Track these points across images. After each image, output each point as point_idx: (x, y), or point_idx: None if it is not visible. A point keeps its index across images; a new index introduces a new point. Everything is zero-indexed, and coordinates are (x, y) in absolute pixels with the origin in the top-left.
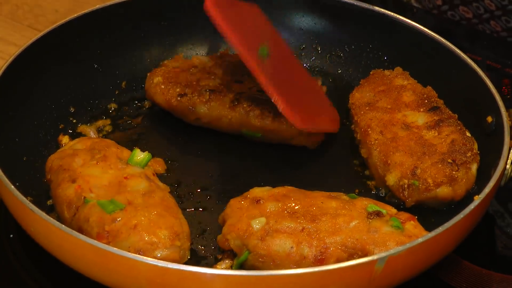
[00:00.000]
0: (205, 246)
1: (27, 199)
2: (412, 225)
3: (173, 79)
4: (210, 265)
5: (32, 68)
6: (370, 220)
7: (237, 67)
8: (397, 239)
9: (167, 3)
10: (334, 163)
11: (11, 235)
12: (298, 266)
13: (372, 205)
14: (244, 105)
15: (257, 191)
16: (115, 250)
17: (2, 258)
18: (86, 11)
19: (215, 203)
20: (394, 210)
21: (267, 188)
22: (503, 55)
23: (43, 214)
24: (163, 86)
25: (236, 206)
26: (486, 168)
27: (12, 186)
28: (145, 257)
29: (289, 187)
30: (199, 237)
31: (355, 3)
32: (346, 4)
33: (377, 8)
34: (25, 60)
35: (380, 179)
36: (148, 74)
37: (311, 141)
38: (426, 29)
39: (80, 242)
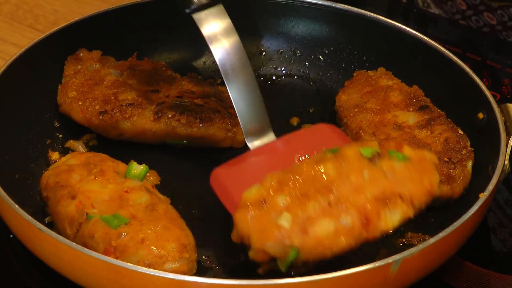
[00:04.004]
0: (209, 257)
1: None
2: (408, 150)
3: (89, 94)
4: (218, 276)
5: (15, 84)
6: (377, 164)
7: (149, 75)
8: (414, 169)
9: (169, 10)
10: None
11: (11, 235)
12: (350, 238)
13: (364, 148)
14: (169, 116)
15: (249, 195)
16: (129, 265)
17: (2, 258)
18: (69, 22)
19: (213, 212)
20: (376, 143)
21: (255, 187)
22: (503, 55)
23: (52, 233)
24: (80, 103)
25: (247, 218)
26: (480, 165)
27: (17, 206)
28: (161, 272)
29: (272, 174)
30: (202, 247)
31: (332, 4)
32: (323, 6)
33: (355, 9)
34: (10, 75)
35: None
36: (60, 87)
37: (236, 141)
38: (405, 27)
39: (92, 259)
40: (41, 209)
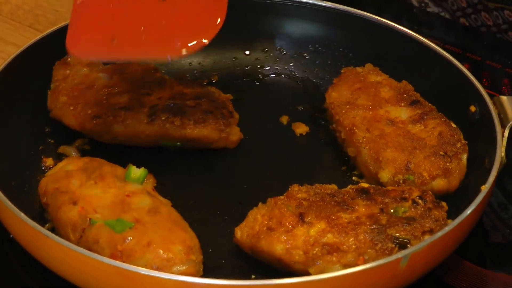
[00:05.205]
0: (210, 259)
1: None
2: None
3: (80, 98)
4: (223, 277)
5: (4, 91)
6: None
7: (139, 78)
8: None
9: None
10: (318, 166)
11: (11, 235)
12: None
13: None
14: (162, 118)
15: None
16: (141, 269)
17: (2, 258)
18: (51, 29)
19: (212, 214)
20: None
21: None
22: (503, 55)
23: (60, 240)
24: (72, 108)
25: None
26: (474, 158)
27: (23, 214)
28: (173, 275)
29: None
30: (203, 249)
31: (317, 2)
32: (308, 4)
33: (340, 6)
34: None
35: (372, 176)
36: (50, 92)
37: (230, 142)
38: (389, 22)
39: (102, 265)
40: (38, 216)
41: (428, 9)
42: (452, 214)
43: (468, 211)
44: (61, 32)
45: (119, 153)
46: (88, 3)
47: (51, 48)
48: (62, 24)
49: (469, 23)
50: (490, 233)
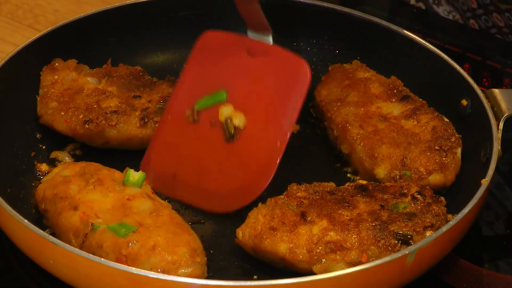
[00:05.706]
0: (212, 260)
1: None
2: None
3: (71, 103)
4: (227, 278)
5: None
6: None
7: (128, 81)
8: None
9: (136, 16)
10: (312, 163)
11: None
12: None
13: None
14: (155, 121)
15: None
16: (152, 273)
17: (2, 258)
18: (37, 35)
19: (210, 216)
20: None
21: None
22: (503, 55)
23: (67, 246)
24: (63, 113)
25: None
26: (468, 151)
27: (26, 221)
28: (184, 278)
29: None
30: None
31: (301, 0)
32: (292, 3)
33: (324, 3)
34: None
35: (367, 173)
36: (39, 99)
37: None
38: (374, 18)
39: (112, 270)
40: (35, 222)
41: (440, 7)
42: (450, 208)
43: (471, 205)
44: (45, 38)
45: (111, 157)
46: (160, 136)
47: (39, 54)
48: (50, 28)
49: (479, 24)
50: (490, 233)
